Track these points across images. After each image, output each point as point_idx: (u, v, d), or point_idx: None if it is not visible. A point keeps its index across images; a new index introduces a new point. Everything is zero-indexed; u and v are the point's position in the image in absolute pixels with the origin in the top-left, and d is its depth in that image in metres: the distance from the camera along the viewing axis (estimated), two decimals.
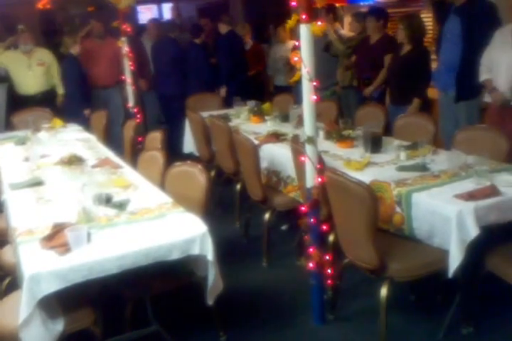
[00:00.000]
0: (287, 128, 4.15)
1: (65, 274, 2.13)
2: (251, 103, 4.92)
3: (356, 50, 5.23)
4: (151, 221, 2.53)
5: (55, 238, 2.31)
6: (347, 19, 6.37)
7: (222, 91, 6.07)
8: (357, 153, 3.37)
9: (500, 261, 2.51)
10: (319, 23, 2.68)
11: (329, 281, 2.81)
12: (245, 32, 6.67)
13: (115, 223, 2.52)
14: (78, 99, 5.63)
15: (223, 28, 6.12)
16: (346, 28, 6.25)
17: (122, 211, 2.66)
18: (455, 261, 2.39)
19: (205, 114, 4.75)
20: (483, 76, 3.92)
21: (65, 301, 2.24)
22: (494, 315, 2.79)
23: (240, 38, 6.36)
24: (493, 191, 2.52)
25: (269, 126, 4.42)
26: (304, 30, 2.60)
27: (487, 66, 3.90)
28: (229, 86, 6.04)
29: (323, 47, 5.35)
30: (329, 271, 2.78)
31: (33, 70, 5.66)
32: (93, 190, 2.86)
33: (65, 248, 2.24)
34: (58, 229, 2.36)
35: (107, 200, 2.75)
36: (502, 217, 2.50)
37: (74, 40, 5.76)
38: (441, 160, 3.04)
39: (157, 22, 7.02)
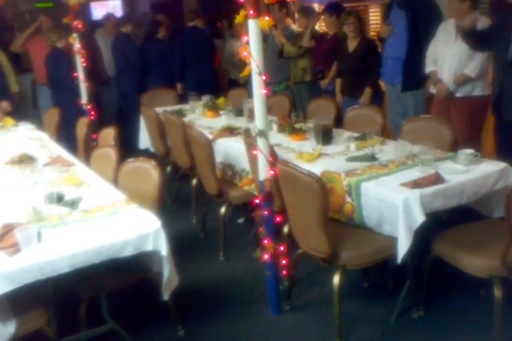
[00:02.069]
0: (241, 122, 4.18)
1: (14, 275, 2.09)
2: (205, 98, 4.93)
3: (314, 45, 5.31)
4: (103, 218, 2.51)
5: (4, 239, 2.27)
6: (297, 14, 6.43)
7: (179, 87, 6.12)
8: (309, 145, 3.43)
9: (445, 245, 2.60)
10: (266, 17, 2.69)
11: (284, 272, 2.86)
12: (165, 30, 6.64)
13: (67, 221, 2.49)
14: (74, 90, 5.47)
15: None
16: (297, 24, 6.30)
17: (74, 209, 2.63)
18: (403, 247, 2.46)
19: (159, 110, 4.74)
20: (428, 68, 4.05)
21: (17, 302, 2.21)
22: (443, 299, 2.90)
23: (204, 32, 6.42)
24: (437, 179, 2.61)
25: (223, 120, 4.44)
26: (252, 25, 2.63)
27: (432, 58, 4.03)
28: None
29: (278, 54, 5.40)
30: (284, 261, 2.82)
31: None
32: (44, 188, 2.83)
33: (14, 248, 2.20)
34: (7, 230, 2.32)
35: (59, 199, 2.72)
36: (446, 203, 2.59)
37: (59, 34, 5.58)
38: (389, 150, 3.12)
39: (114, 17, 6.93)
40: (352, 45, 4.66)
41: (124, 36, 6.20)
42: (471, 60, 3.81)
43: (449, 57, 3.88)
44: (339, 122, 4.03)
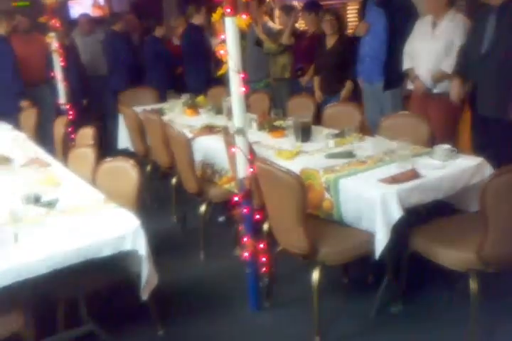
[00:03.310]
0: (221, 121, 4.17)
1: None
2: (185, 96, 4.91)
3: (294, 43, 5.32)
4: (81, 218, 2.50)
5: None
6: (278, 12, 6.43)
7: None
8: (288, 142, 3.44)
9: (422, 240, 2.62)
10: (244, 16, 2.69)
11: (264, 269, 2.86)
12: (178, 26, 6.59)
13: (44, 222, 2.47)
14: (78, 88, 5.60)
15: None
16: (277, 21, 6.30)
17: (52, 210, 2.61)
18: (381, 242, 2.48)
19: (139, 109, 4.71)
20: (405, 65, 4.08)
21: None
22: (421, 293, 2.93)
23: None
24: (414, 174, 2.64)
25: (203, 118, 4.43)
26: (229, 23, 2.62)
27: (409, 55, 4.05)
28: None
29: (255, 42, 5.40)
30: (264, 259, 2.83)
31: None
32: (21, 189, 2.80)
33: None
34: None
35: (36, 200, 2.69)
36: (423, 198, 2.62)
37: (64, 33, 5.66)
38: (367, 147, 3.15)
39: (88, 17, 6.87)
40: (330, 42, 4.69)
41: (115, 34, 6.15)
42: (447, 56, 3.85)
43: (426, 54, 3.91)
44: (318, 119, 4.05)
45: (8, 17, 5.58)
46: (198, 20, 5.89)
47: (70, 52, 5.74)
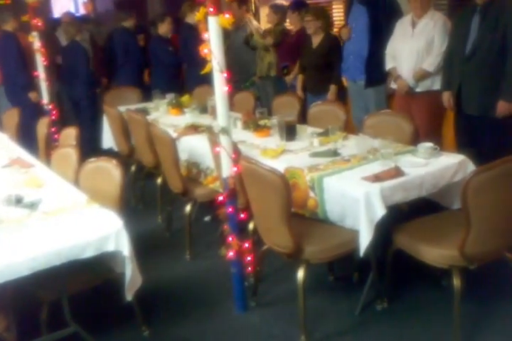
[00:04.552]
0: (206, 120, 4.16)
1: None
2: (170, 96, 4.89)
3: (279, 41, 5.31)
4: (64, 219, 2.48)
5: None
6: (263, 10, 6.42)
7: None
8: (273, 141, 3.44)
9: (406, 238, 2.63)
10: (227, 15, 2.68)
11: (249, 268, 2.85)
12: (166, 25, 6.52)
13: (26, 224, 2.45)
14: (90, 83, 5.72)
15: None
16: (263, 20, 6.30)
17: (34, 211, 2.59)
18: (365, 240, 2.49)
19: (123, 108, 4.68)
20: (388, 64, 4.10)
21: None
22: (406, 290, 2.95)
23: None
24: (397, 172, 2.65)
25: (188, 118, 4.41)
26: (212, 22, 2.61)
27: (391, 55, 4.07)
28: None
29: (244, 40, 5.39)
30: (249, 258, 2.82)
31: None
32: (3, 190, 2.77)
33: None
34: None
35: (18, 201, 2.68)
36: (406, 196, 2.63)
37: (78, 28, 5.87)
38: (351, 145, 3.15)
39: (72, 16, 6.81)
40: (316, 41, 4.69)
41: (125, 30, 6.12)
42: (429, 54, 3.87)
43: (407, 53, 3.93)
44: (304, 118, 4.05)
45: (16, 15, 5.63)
46: (191, 19, 5.81)
47: (79, 46, 5.81)
